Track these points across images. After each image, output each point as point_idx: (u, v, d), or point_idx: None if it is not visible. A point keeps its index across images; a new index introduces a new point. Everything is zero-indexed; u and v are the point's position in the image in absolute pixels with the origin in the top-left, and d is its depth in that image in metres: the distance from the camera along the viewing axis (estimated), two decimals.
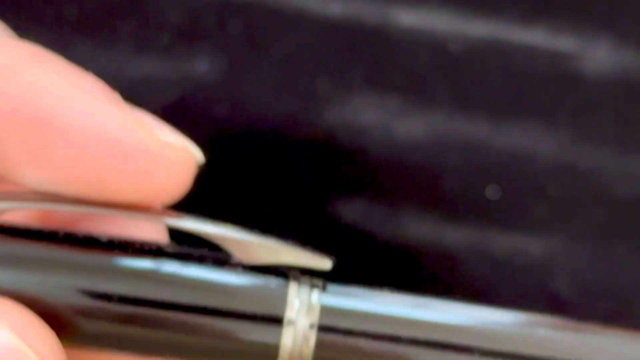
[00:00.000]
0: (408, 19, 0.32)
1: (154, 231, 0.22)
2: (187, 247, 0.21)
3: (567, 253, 0.31)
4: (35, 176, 0.18)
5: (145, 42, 0.31)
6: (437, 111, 0.31)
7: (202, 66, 0.31)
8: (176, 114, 0.31)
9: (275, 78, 0.31)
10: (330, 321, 0.21)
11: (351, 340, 0.21)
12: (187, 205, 0.22)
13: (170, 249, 0.21)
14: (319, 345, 0.21)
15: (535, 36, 0.32)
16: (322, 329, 0.21)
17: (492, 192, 0.31)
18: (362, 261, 0.31)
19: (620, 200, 0.31)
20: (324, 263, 0.21)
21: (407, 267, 0.31)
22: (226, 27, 0.32)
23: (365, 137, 0.31)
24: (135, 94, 0.31)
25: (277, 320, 0.20)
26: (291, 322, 0.20)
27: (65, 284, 0.19)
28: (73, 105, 0.18)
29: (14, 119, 0.17)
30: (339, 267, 0.31)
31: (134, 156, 0.18)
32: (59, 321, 0.19)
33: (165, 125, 0.19)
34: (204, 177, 0.32)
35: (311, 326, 0.21)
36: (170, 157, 0.19)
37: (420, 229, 0.31)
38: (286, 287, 0.21)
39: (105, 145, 0.18)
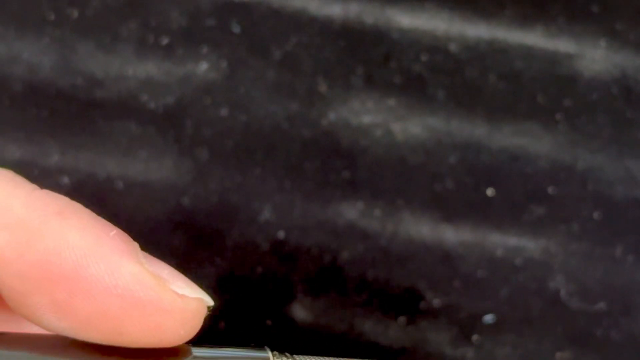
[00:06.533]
0: (407, 20, 0.32)
1: None
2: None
3: (565, 253, 0.31)
4: (56, 324, 0.19)
5: (146, 43, 0.31)
6: (436, 112, 0.31)
7: (202, 66, 0.31)
8: (176, 114, 0.31)
9: (275, 78, 0.31)
10: None
11: None
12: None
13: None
14: None
15: (533, 38, 0.32)
16: None
17: (491, 192, 0.31)
18: (362, 261, 0.31)
19: (617, 200, 0.31)
20: None
21: (407, 267, 0.31)
22: (226, 28, 0.32)
23: (365, 137, 0.31)
24: (136, 94, 0.32)
25: None
26: None
27: None
28: (96, 263, 0.19)
29: (40, 273, 0.19)
30: (338, 267, 0.32)
31: (149, 310, 0.19)
32: None
33: (180, 276, 0.20)
34: (204, 178, 0.32)
35: None
36: (183, 308, 0.20)
37: (420, 229, 0.31)
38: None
39: (124, 300, 0.19)
